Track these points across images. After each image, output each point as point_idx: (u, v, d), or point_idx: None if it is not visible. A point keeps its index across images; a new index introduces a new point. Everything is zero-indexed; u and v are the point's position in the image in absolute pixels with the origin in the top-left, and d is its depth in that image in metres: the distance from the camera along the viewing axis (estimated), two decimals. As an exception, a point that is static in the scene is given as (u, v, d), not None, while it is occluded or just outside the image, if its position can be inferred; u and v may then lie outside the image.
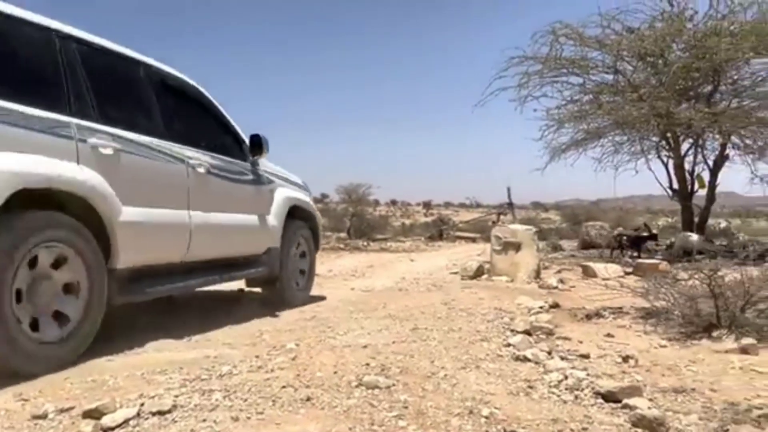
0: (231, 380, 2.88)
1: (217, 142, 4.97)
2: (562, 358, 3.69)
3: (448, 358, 3.51)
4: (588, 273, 8.71)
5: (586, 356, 3.80)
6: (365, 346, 3.79)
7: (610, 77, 12.08)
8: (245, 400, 2.57)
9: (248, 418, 2.37)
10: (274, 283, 5.59)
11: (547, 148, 13.22)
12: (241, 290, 6.45)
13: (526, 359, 3.51)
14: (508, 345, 3.86)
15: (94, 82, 3.72)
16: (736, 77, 11.64)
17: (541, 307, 5.46)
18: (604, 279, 8.34)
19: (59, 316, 3.35)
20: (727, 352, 3.98)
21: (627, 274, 8.75)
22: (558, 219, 45.84)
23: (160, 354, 3.54)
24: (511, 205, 13.56)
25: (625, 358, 3.71)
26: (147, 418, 2.34)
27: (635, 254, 11.88)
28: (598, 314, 5.32)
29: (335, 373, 3.06)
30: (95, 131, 3.58)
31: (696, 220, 12.80)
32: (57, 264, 3.35)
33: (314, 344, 3.86)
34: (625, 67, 11.80)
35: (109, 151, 3.64)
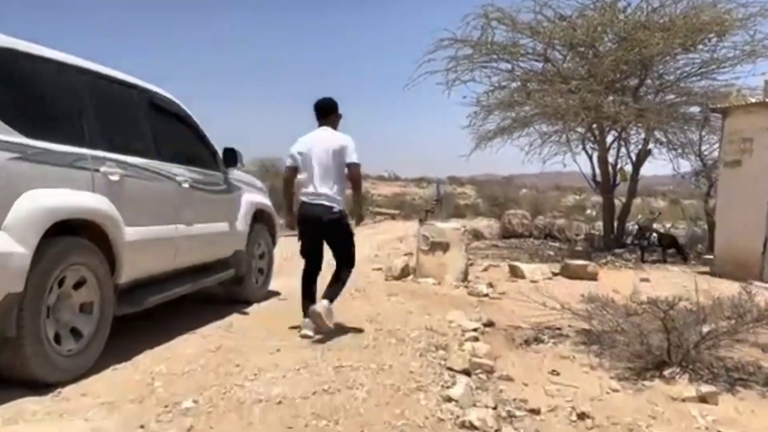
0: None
1: (198, 157, 5.15)
2: (510, 416, 3.19)
3: (381, 426, 2.91)
4: (516, 274, 8.38)
5: (536, 411, 3.32)
6: (279, 402, 3.17)
7: (540, 65, 11.76)
8: None
9: None
10: (238, 282, 5.73)
11: (474, 135, 12.85)
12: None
13: (472, 427, 2.96)
14: (449, 399, 3.30)
15: (99, 111, 3.90)
16: (662, 72, 11.59)
17: (475, 330, 4.97)
18: (532, 281, 8.04)
19: (74, 332, 3.57)
20: (684, 400, 3.61)
21: (555, 274, 8.50)
22: (473, 194, 46.38)
23: (8, 429, 2.74)
24: (439, 201, 12.98)
25: (581, 416, 3.25)
26: None
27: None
28: (537, 338, 4.89)
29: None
30: (104, 160, 3.76)
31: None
32: (77, 285, 3.59)
33: (217, 399, 3.19)
34: (555, 56, 11.49)
35: (115, 178, 3.83)
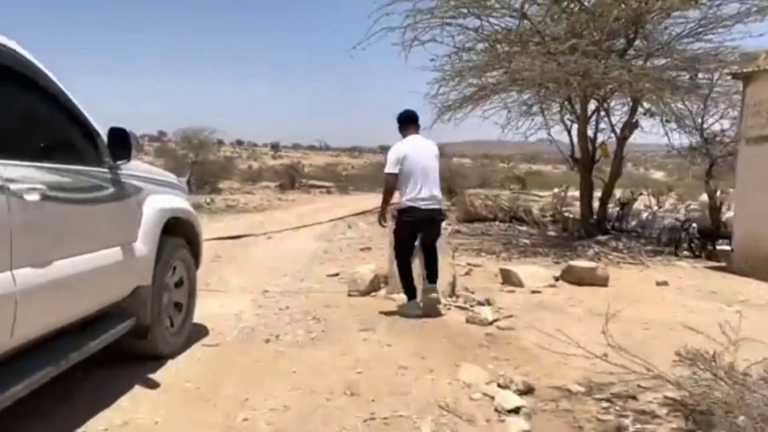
0: None
1: (58, 144, 3.23)
2: None
3: None
4: (511, 281, 6.69)
5: None
6: None
7: (514, 22, 9.98)
8: None
9: None
10: (143, 334, 3.75)
11: (436, 105, 11.05)
12: None
13: None
14: None
15: None
16: (651, 31, 10.05)
17: (516, 411, 3.22)
18: (533, 292, 6.39)
19: None
20: None
21: (556, 279, 6.88)
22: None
23: None
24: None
25: None
26: None
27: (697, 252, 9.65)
28: (618, 427, 3.17)
29: None
30: None
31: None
32: None
33: None
34: (533, 12, 9.75)
35: None
